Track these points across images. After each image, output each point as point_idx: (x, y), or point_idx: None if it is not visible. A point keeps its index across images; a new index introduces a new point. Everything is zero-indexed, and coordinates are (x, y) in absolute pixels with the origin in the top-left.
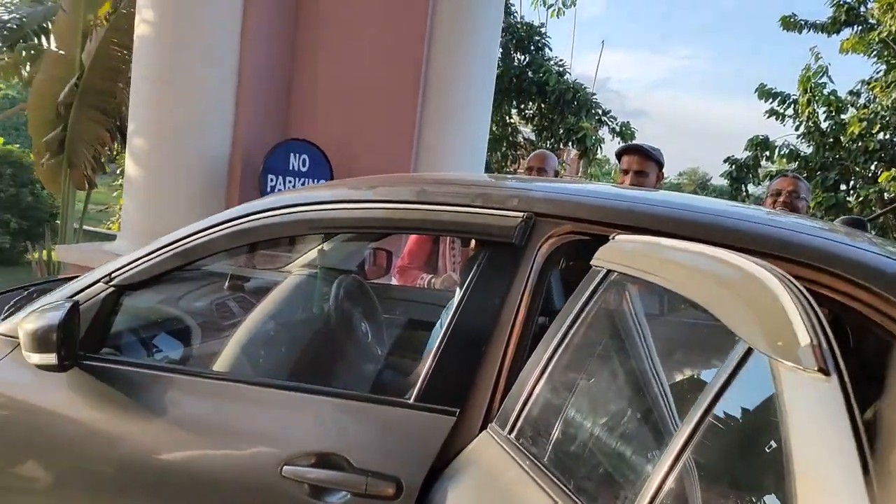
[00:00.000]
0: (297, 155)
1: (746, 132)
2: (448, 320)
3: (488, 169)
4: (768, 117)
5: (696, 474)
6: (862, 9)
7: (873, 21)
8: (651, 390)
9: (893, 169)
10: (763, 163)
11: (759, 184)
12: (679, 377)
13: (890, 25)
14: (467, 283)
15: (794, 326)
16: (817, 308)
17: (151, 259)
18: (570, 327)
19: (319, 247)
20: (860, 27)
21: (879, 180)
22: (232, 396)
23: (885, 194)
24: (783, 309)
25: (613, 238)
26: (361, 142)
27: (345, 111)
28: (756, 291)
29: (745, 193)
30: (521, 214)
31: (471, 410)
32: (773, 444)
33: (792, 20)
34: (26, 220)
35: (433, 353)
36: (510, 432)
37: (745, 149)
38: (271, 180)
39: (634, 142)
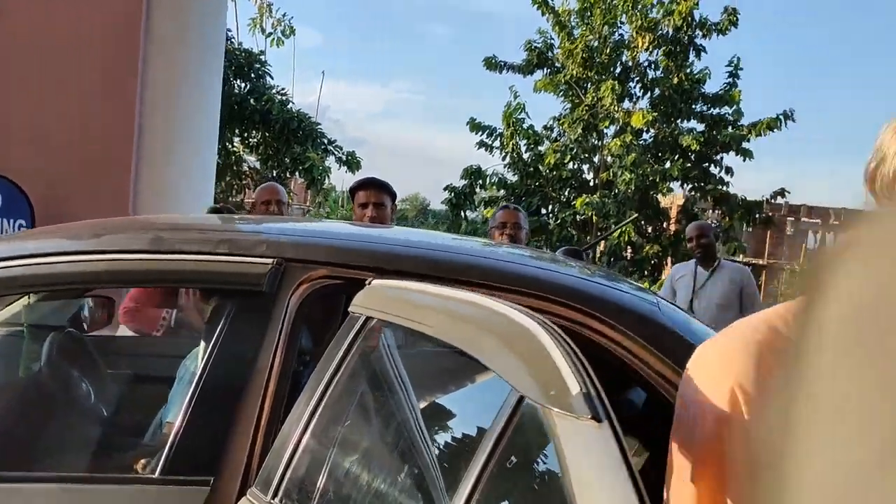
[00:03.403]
0: None
1: (464, 161)
2: (196, 379)
3: (215, 200)
4: (479, 148)
5: None
6: (550, 54)
7: (559, 65)
8: (416, 439)
9: (585, 195)
10: (478, 190)
11: (476, 209)
12: (445, 420)
13: (572, 69)
14: (216, 337)
15: (563, 376)
16: (582, 356)
17: None
18: (331, 378)
19: (22, 300)
20: (549, 69)
21: (576, 205)
22: None
23: (578, 216)
24: (552, 359)
25: (370, 283)
26: (68, 177)
27: (47, 143)
28: (524, 341)
29: (463, 218)
30: (270, 261)
31: (226, 477)
32: (555, 489)
33: (493, 61)
34: None
35: (179, 419)
36: (274, 496)
37: (462, 177)
38: None
39: (362, 175)
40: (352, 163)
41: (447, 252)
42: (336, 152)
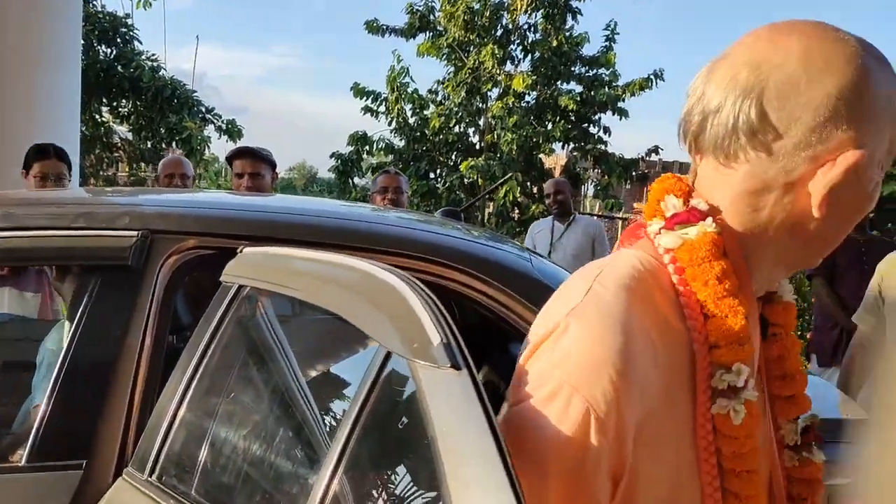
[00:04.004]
0: None
1: (350, 127)
2: (62, 360)
3: (83, 175)
4: (364, 114)
5: (357, 480)
6: (431, 17)
7: (441, 28)
8: (297, 402)
9: (470, 158)
10: (365, 156)
11: (364, 175)
12: (323, 382)
13: (454, 32)
14: (80, 315)
15: (426, 328)
16: (443, 309)
17: None
18: (206, 350)
19: None
20: (432, 33)
21: (461, 168)
22: None
23: (465, 179)
24: (415, 313)
25: (241, 251)
26: None
27: None
28: (389, 298)
29: (352, 185)
30: (135, 233)
31: (101, 458)
32: (421, 438)
33: (375, 25)
34: None
35: (45, 402)
36: (151, 473)
37: (348, 144)
38: None
39: (244, 144)
40: (233, 132)
41: (320, 217)
42: (215, 121)
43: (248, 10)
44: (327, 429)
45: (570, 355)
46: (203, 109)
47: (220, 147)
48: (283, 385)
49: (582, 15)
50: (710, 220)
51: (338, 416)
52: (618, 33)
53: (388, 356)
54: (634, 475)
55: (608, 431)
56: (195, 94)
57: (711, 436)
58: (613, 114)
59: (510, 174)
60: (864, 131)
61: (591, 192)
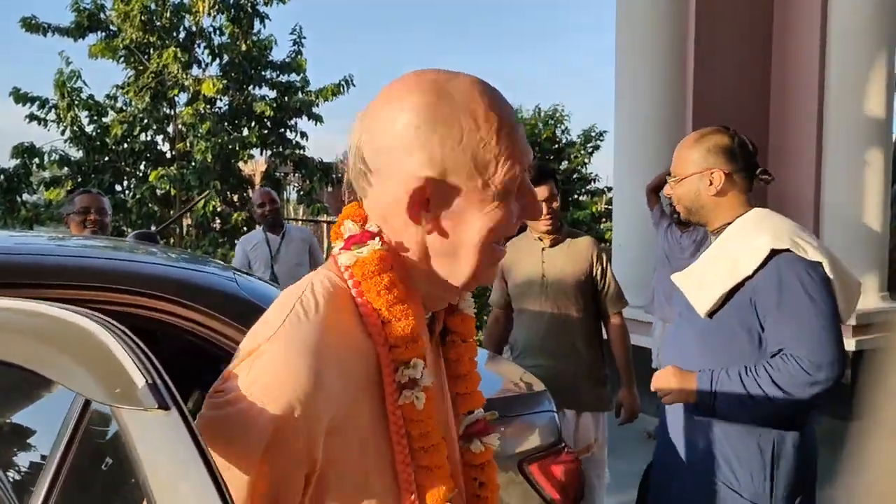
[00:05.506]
0: None
1: (13, 138)
2: None
3: None
4: (30, 122)
5: None
6: (102, 15)
7: (115, 28)
8: None
9: (161, 168)
10: (35, 170)
11: (36, 192)
12: (4, 440)
13: (130, 33)
14: None
15: (128, 372)
16: (145, 347)
17: None
18: None
19: None
20: (105, 33)
21: (150, 179)
22: None
23: (158, 190)
24: (114, 355)
25: None
26: None
27: None
28: (84, 344)
29: (21, 203)
30: None
31: None
32: (134, 486)
33: (33, 22)
34: None
35: None
36: None
37: (12, 156)
38: None
39: None
40: None
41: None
42: None
43: None
44: (16, 493)
45: (259, 379)
46: None
47: None
48: None
49: (270, 19)
50: (377, 239)
51: (29, 478)
52: (304, 37)
53: (87, 404)
54: (329, 467)
55: (293, 442)
56: None
57: (402, 422)
58: (309, 119)
59: (208, 190)
60: (443, 161)
61: (293, 197)
